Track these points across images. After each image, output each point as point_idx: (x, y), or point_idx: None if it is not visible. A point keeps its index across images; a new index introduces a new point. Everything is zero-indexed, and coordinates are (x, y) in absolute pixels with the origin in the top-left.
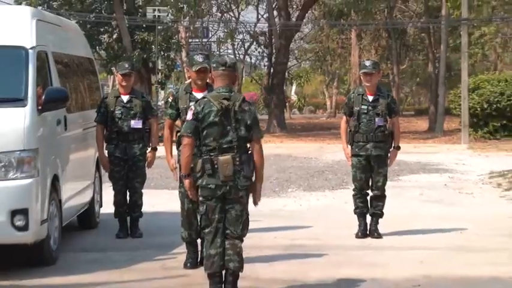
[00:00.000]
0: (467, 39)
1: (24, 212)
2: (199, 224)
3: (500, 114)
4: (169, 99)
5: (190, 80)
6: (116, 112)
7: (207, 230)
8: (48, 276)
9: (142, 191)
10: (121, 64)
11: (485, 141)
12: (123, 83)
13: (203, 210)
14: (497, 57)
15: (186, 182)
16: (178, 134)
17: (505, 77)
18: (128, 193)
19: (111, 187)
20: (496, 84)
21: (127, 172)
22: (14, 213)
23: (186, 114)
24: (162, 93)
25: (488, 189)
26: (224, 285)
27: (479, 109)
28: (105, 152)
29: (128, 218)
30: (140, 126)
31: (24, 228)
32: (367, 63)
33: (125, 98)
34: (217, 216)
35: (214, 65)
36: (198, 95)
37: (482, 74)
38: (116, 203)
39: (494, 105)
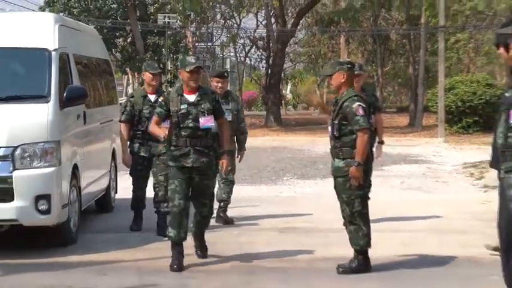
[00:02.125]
0: (443, 45)
1: (47, 197)
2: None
3: (472, 112)
4: (160, 100)
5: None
6: (144, 111)
7: None
8: (68, 254)
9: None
10: (151, 63)
11: (459, 135)
12: (153, 82)
13: None
14: (470, 61)
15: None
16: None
17: (477, 79)
18: (150, 189)
19: (128, 178)
20: (469, 85)
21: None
22: (37, 198)
23: (177, 116)
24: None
25: (461, 178)
26: None
27: (454, 107)
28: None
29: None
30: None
31: (47, 211)
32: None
33: (152, 97)
34: None
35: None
36: (190, 97)
37: (457, 75)
38: (134, 198)
39: (468, 104)
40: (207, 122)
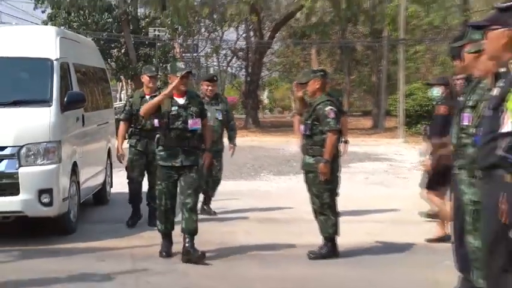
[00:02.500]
0: (403, 55)
1: (49, 191)
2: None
3: (429, 115)
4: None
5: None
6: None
7: None
8: (68, 242)
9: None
10: (148, 67)
11: (418, 136)
12: (150, 84)
13: None
14: (427, 70)
15: None
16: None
17: None
18: (145, 184)
19: (122, 174)
20: (425, 91)
21: (147, 166)
22: (41, 192)
23: (168, 117)
24: None
25: (419, 175)
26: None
27: (412, 111)
28: (126, 144)
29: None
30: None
31: (49, 204)
32: None
33: (149, 98)
34: None
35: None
36: (180, 100)
37: (415, 83)
38: (131, 190)
39: (425, 108)
40: (195, 124)
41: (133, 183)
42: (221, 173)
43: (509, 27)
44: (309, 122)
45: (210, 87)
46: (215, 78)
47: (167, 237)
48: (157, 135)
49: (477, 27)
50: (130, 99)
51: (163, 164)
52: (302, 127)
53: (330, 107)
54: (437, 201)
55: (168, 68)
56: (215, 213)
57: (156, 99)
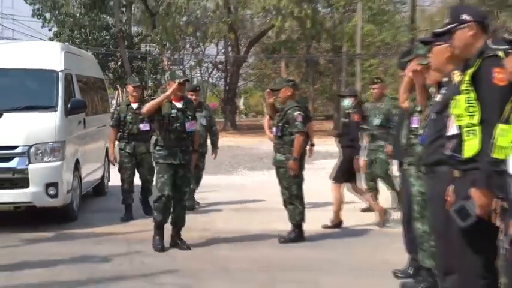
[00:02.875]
0: (360, 68)
1: (55, 184)
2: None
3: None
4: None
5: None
6: (128, 117)
7: None
8: (71, 229)
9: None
10: (132, 78)
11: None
12: (134, 93)
13: None
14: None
15: None
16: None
17: (385, 94)
18: (137, 182)
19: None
20: None
21: (137, 166)
22: (47, 185)
23: (169, 120)
24: None
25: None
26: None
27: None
28: (117, 148)
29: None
30: (148, 129)
31: (55, 196)
32: None
33: (135, 105)
34: None
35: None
36: (178, 104)
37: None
38: (123, 191)
39: None
40: (191, 126)
41: (126, 184)
42: (203, 171)
43: (446, 44)
44: (280, 124)
45: (194, 97)
46: (198, 88)
47: (161, 229)
48: (155, 137)
49: (425, 42)
50: (118, 108)
51: (163, 162)
52: (274, 129)
53: (298, 112)
54: (337, 193)
55: (168, 75)
56: (198, 203)
57: (157, 100)
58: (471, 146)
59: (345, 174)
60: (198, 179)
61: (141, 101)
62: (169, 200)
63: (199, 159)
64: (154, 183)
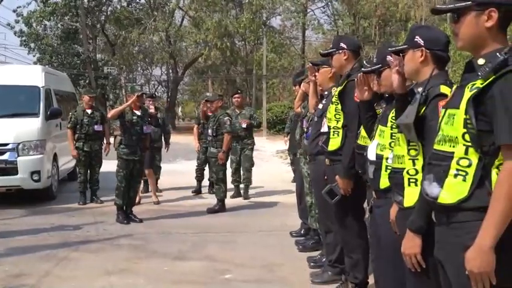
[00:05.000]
0: (265, 85)
1: (38, 172)
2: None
3: (281, 122)
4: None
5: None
6: (84, 120)
7: None
8: (51, 205)
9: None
10: (88, 89)
11: (274, 135)
12: (90, 102)
13: None
14: (280, 94)
15: None
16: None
17: (284, 104)
18: (89, 174)
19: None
20: (280, 107)
21: (90, 161)
22: (32, 173)
23: (131, 124)
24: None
25: (276, 159)
26: None
27: (271, 119)
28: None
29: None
30: (101, 129)
31: (38, 180)
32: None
33: (89, 111)
34: None
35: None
36: (137, 112)
37: (273, 102)
38: (80, 182)
39: (279, 117)
40: (148, 129)
41: (82, 175)
42: (160, 161)
43: (330, 67)
44: (214, 127)
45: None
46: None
47: (122, 209)
48: (120, 138)
49: (314, 64)
50: (74, 113)
51: (126, 158)
52: (209, 130)
53: (227, 118)
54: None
55: (129, 89)
56: (160, 190)
57: (120, 107)
58: (334, 143)
59: None
60: (157, 168)
61: (94, 108)
62: (126, 189)
63: (157, 153)
64: (115, 173)
